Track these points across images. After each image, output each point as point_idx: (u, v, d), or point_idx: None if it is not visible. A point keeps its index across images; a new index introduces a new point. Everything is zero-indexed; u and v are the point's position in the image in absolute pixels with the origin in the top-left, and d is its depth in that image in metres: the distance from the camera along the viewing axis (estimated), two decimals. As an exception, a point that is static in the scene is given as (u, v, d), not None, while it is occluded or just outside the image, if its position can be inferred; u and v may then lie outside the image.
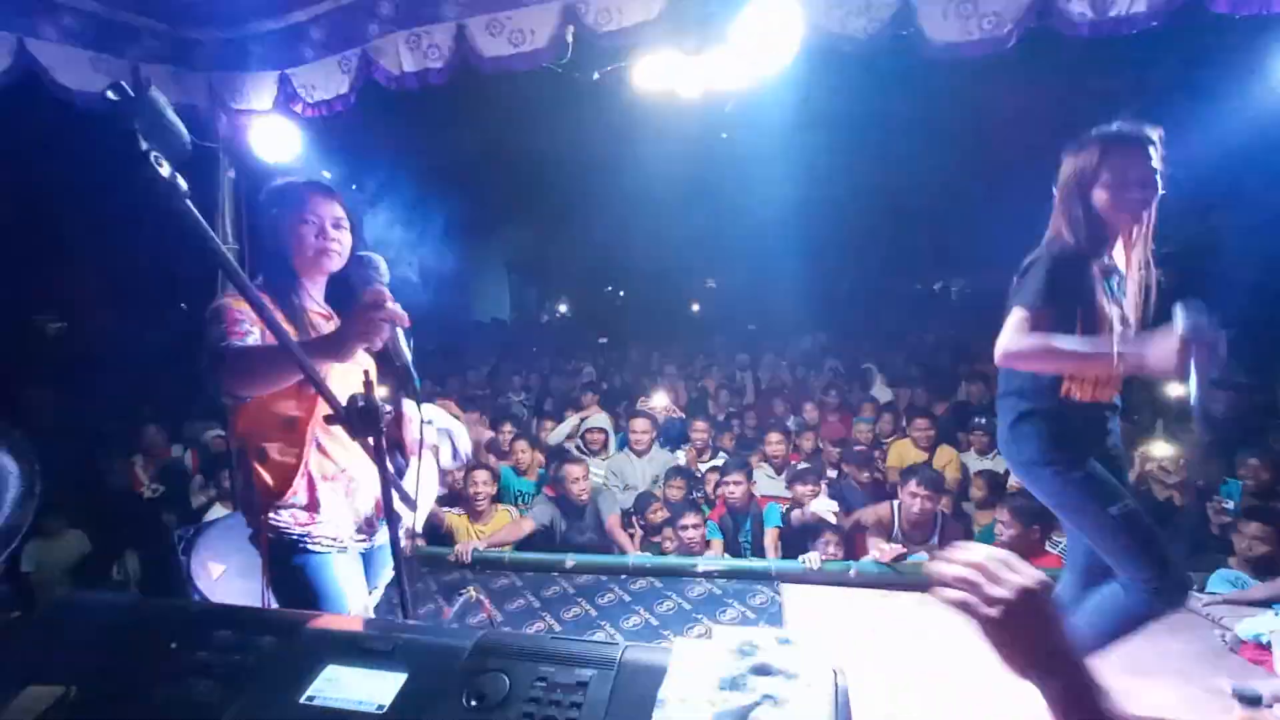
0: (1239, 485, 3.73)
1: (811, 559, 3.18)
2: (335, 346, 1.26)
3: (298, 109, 3.49)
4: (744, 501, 3.88)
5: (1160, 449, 3.92)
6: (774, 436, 4.62)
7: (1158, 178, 1.66)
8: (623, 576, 3.30)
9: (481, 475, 3.93)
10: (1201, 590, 2.85)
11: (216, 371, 1.32)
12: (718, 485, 4.02)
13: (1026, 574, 0.68)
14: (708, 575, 3.24)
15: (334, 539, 1.51)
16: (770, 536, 3.72)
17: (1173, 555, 1.77)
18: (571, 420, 5.26)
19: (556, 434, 5.17)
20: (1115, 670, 2.29)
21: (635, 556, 3.41)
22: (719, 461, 4.64)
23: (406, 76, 3.24)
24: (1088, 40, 2.62)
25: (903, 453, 4.64)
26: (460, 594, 2.85)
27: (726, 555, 3.58)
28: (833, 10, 2.64)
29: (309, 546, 1.48)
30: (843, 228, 14.04)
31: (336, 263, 1.57)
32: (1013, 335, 1.65)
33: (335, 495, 1.52)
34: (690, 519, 3.61)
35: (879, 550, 3.15)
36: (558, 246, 17.78)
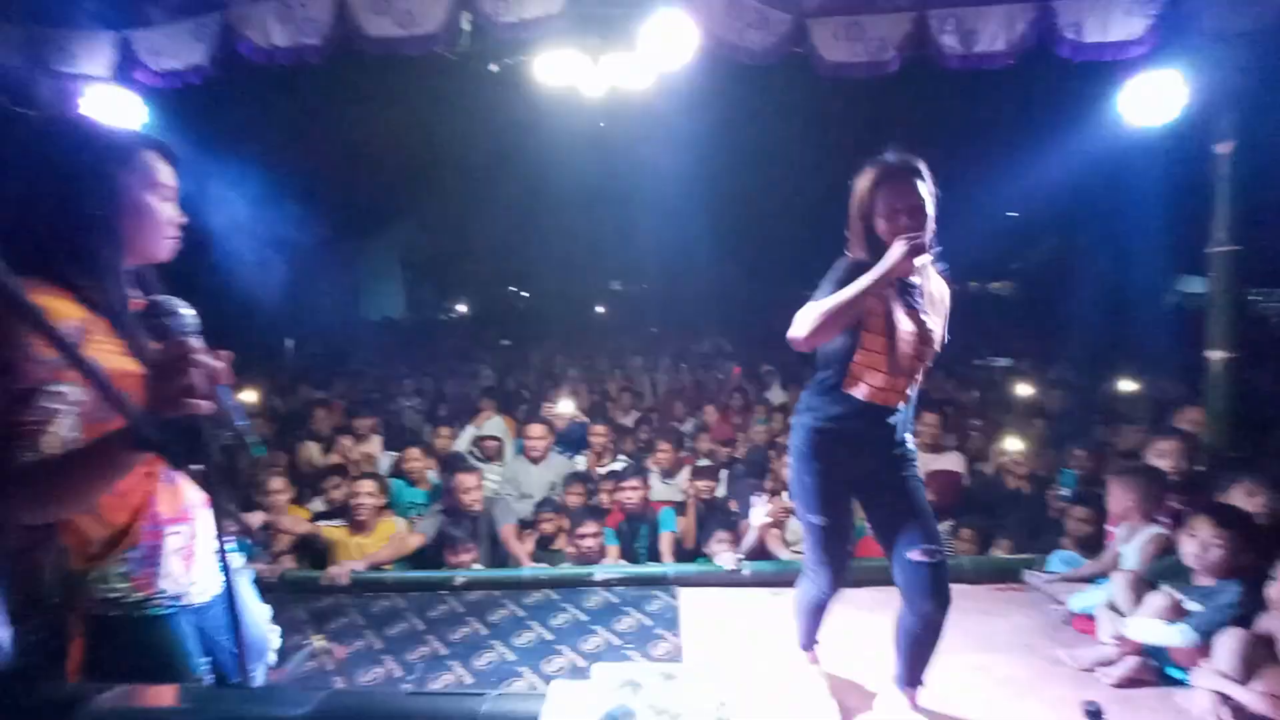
0: (1073, 475, 4.21)
1: (727, 559, 3.23)
2: (125, 443, 0.92)
3: (141, 78, 3.04)
4: (641, 507, 3.87)
5: (1012, 444, 4.35)
6: (663, 444, 4.64)
7: (925, 204, 1.77)
8: (517, 590, 3.16)
9: (367, 485, 3.63)
10: (1043, 570, 3.18)
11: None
12: (615, 491, 3.98)
13: None
14: (605, 584, 3.18)
15: (177, 595, 1.16)
16: (665, 541, 3.73)
17: (842, 569, 2.08)
18: (470, 431, 5.00)
19: (457, 446, 4.90)
20: (972, 648, 2.51)
21: (530, 569, 3.28)
22: (617, 466, 4.60)
23: (278, 52, 2.92)
24: (958, 71, 2.85)
25: None
26: (305, 644, 2.58)
27: (623, 562, 3.55)
28: (732, 21, 2.69)
29: (148, 609, 1.12)
30: (747, 233, 14.56)
31: (169, 254, 1.23)
32: (796, 320, 1.78)
33: (178, 541, 1.17)
34: (589, 527, 3.55)
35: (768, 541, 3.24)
36: (457, 243, 17.08)
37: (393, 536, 3.54)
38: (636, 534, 3.89)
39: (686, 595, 3.10)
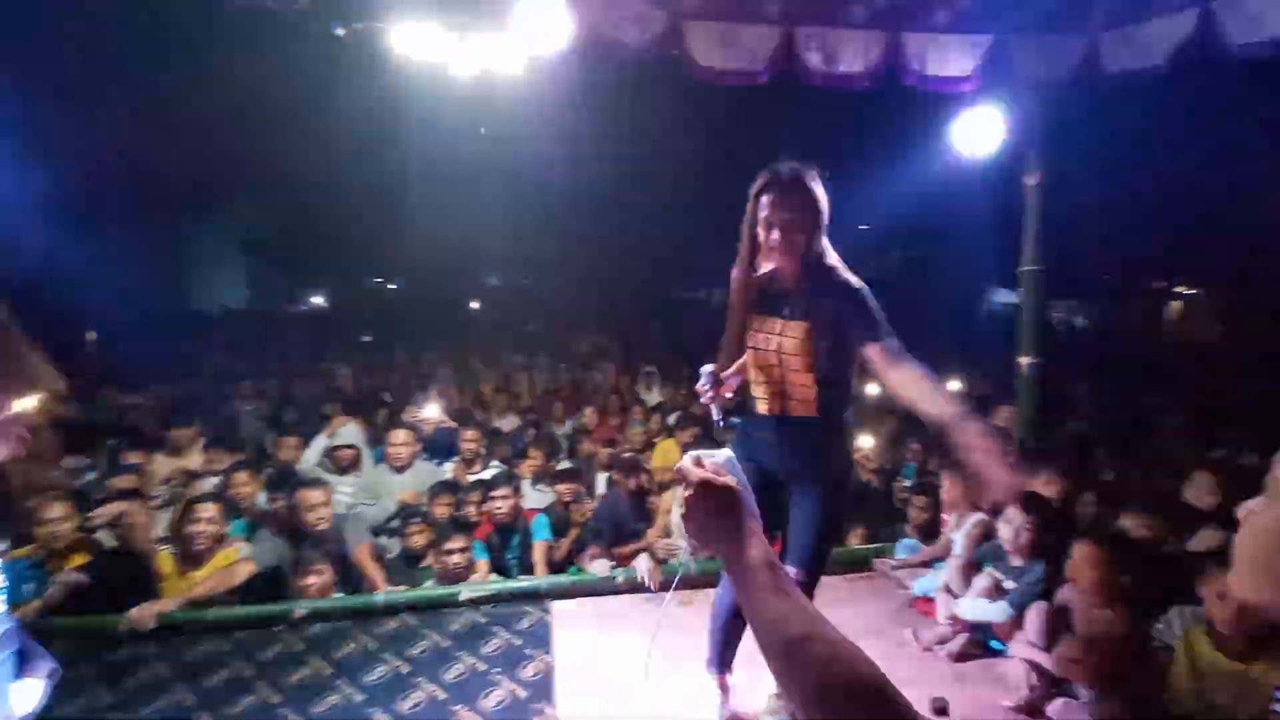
0: (914, 467, 4.66)
1: (600, 567, 3.16)
2: None
3: None
4: (512, 516, 3.69)
5: (863, 441, 4.71)
6: (534, 451, 4.49)
7: (797, 219, 1.81)
8: (369, 619, 2.85)
9: (207, 510, 3.11)
10: (891, 557, 3.45)
11: None
12: (484, 500, 3.75)
13: (706, 469, 0.85)
14: (473, 603, 2.96)
15: None
16: (539, 550, 3.58)
17: None
18: (321, 441, 4.43)
19: (305, 461, 4.33)
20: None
21: (386, 593, 2.97)
22: (488, 474, 4.36)
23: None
24: (824, 90, 2.98)
25: (667, 453, 4.83)
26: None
27: (494, 576, 3.35)
28: (608, 13, 2.59)
29: None
30: (629, 230, 14.59)
31: None
32: None
33: None
34: (456, 541, 3.30)
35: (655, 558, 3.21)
36: (310, 227, 15.42)
37: (218, 571, 3.04)
38: (508, 545, 3.70)
39: (560, 609, 2.98)
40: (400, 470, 4.07)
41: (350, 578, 3.27)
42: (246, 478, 3.64)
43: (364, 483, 4.04)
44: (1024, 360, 3.52)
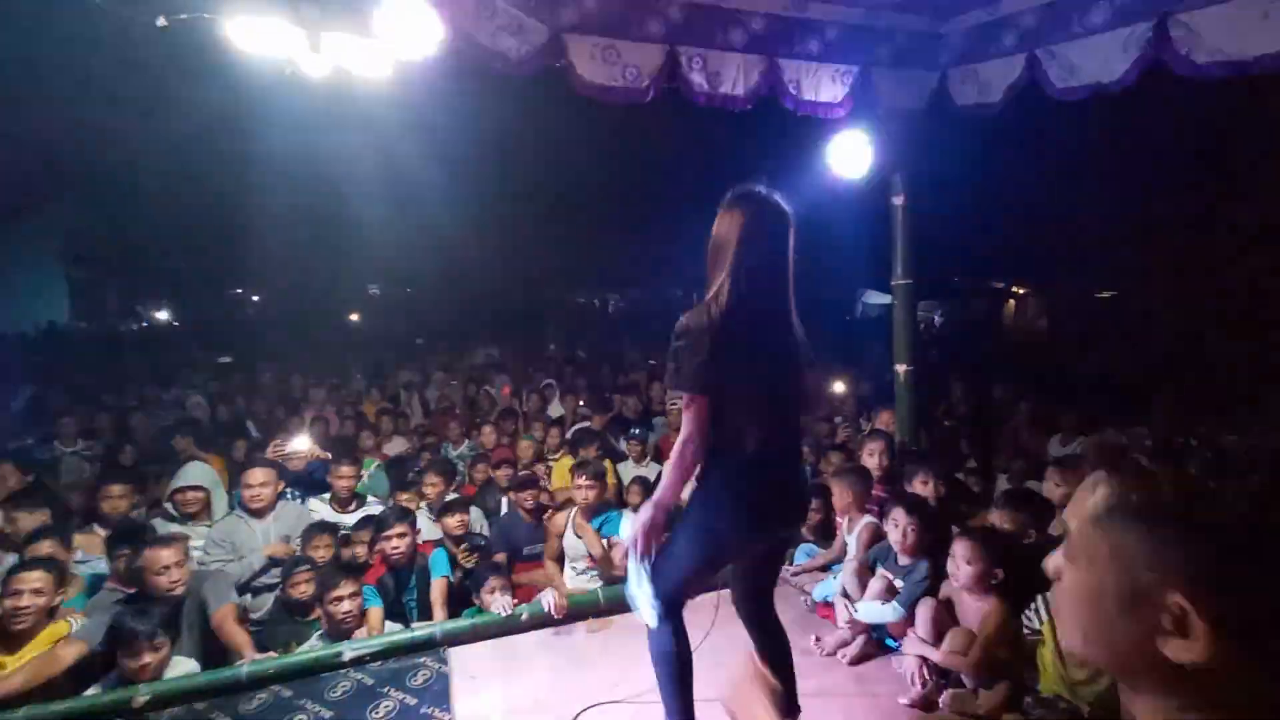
0: (806, 467, 4.87)
1: (501, 604, 2.98)
2: None
3: None
4: (409, 555, 3.39)
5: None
6: (431, 478, 4.19)
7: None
8: (233, 695, 2.48)
9: (35, 578, 2.55)
10: (791, 563, 3.56)
11: None
12: (374, 541, 3.42)
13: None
14: (357, 663, 2.67)
15: None
16: (437, 589, 3.31)
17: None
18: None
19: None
20: (738, 647, 2.67)
21: (252, 663, 2.60)
22: (373, 509, 4.00)
23: None
24: (709, 110, 3.02)
25: (563, 470, 4.69)
26: None
27: (390, 624, 3.05)
28: (482, 22, 2.44)
29: None
30: (520, 236, 14.21)
31: None
32: None
33: None
34: (345, 587, 2.93)
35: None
36: (151, 233, 13.59)
37: (34, 659, 2.51)
38: (404, 587, 3.39)
39: (459, 655, 2.77)
40: (258, 515, 3.56)
41: (211, 648, 2.85)
42: (54, 544, 3.03)
43: (216, 533, 3.48)
44: (900, 368, 3.79)
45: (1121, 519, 0.56)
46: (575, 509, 3.63)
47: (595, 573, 3.47)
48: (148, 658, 2.51)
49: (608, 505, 3.75)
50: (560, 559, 3.60)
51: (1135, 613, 0.53)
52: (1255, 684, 0.48)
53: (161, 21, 2.08)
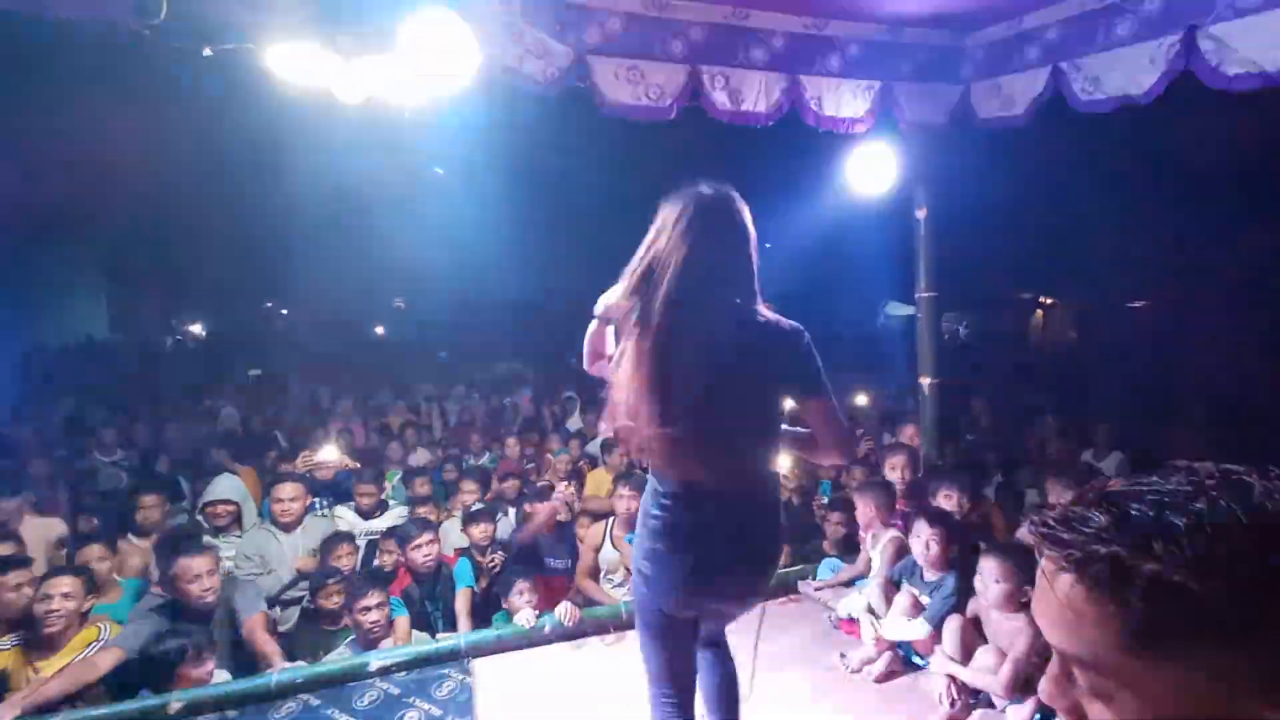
0: (829, 484, 4.82)
1: (525, 617, 3.00)
2: None
3: None
4: (434, 565, 3.43)
5: (782, 461, 4.82)
6: (466, 484, 4.24)
7: None
8: (263, 703, 2.53)
9: (65, 583, 2.67)
10: (813, 578, 3.52)
11: None
12: (407, 550, 3.46)
13: None
14: (383, 673, 2.71)
15: None
16: (463, 599, 3.35)
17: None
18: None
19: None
20: (763, 667, 2.64)
21: (280, 673, 2.65)
22: (398, 519, 4.06)
23: None
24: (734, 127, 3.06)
25: (600, 483, 4.68)
26: None
27: (415, 633, 3.09)
28: (510, 47, 2.53)
29: None
30: (543, 250, 14.35)
31: None
32: None
33: None
34: (373, 597, 2.97)
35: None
36: (188, 250, 14.04)
37: (70, 665, 2.60)
38: (431, 596, 3.43)
39: (483, 668, 2.79)
40: (287, 529, 3.60)
41: (241, 656, 2.91)
42: (102, 551, 3.14)
43: (246, 546, 3.54)
44: (925, 381, 3.75)
45: (1164, 639, 0.44)
46: (613, 519, 3.63)
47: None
48: (200, 669, 2.59)
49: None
50: (596, 574, 3.59)
51: None
52: None
53: (207, 51, 2.19)
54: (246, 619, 2.96)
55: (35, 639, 2.64)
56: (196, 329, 18.19)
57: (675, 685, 1.60)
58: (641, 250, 1.54)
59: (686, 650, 1.62)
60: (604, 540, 3.60)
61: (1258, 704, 0.41)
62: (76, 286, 14.32)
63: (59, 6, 2.31)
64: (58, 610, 2.62)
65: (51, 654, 2.64)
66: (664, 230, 1.52)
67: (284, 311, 20.03)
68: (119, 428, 6.39)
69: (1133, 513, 0.46)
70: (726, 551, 1.49)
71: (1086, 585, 0.46)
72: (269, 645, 2.90)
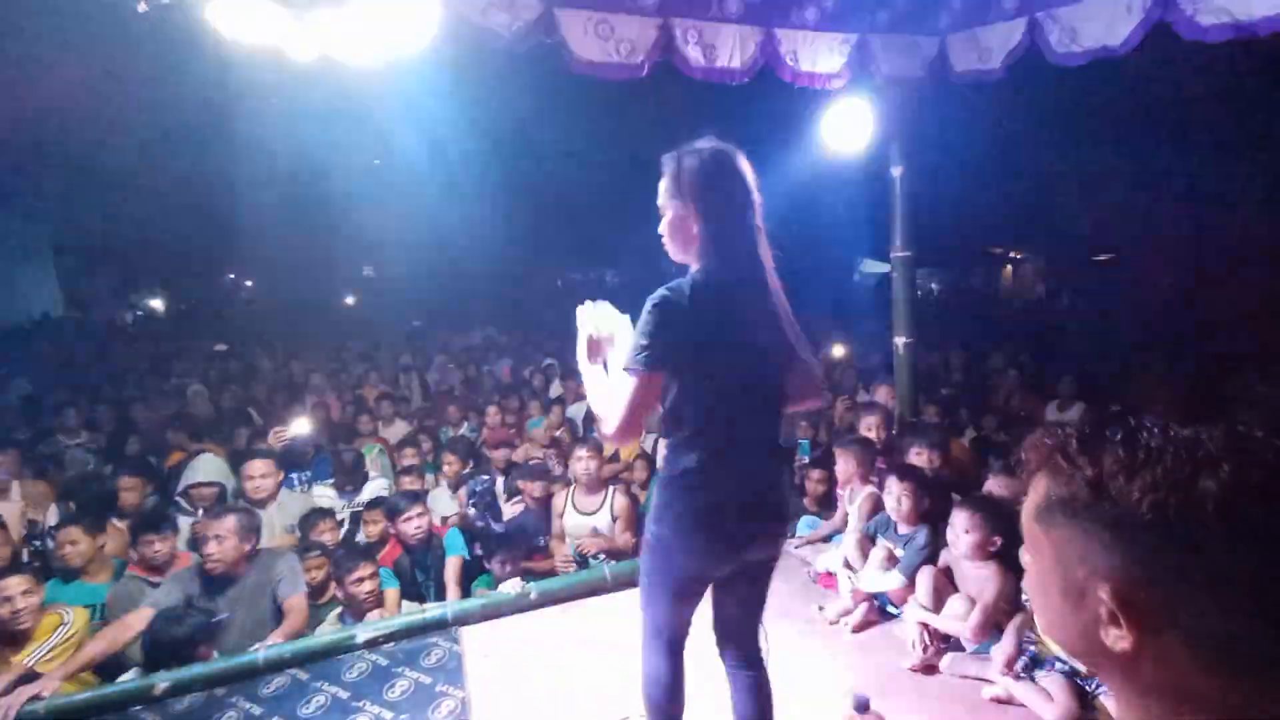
0: (807, 443, 4.91)
1: (511, 584, 3.04)
2: None
3: None
4: (425, 536, 3.44)
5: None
6: (449, 456, 4.22)
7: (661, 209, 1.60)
8: (250, 681, 2.53)
9: (15, 584, 2.63)
10: (793, 535, 3.61)
11: None
12: (396, 522, 3.45)
13: None
14: (371, 644, 2.73)
15: None
16: (452, 567, 3.37)
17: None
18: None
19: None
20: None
21: (267, 649, 2.65)
22: (381, 490, 4.04)
23: None
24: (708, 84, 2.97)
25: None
26: None
27: (405, 603, 3.11)
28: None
29: None
30: (516, 215, 13.98)
31: None
32: None
33: None
34: (364, 569, 2.98)
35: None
36: (143, 222, 13.39)
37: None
38: (419, 567, 3.44)
39: (471, 634, 2.82)
40: (260, 505, 3.48)
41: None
42: (79, 533, 3.06)
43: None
44: (900, 340, 3.79)
45: (1050, 516, 0.58)
46: (573, 486, 3.66)
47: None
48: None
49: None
50: (563, 539, 3.63)
51: (1078, 604, 0.55)
52: (1184, 673, 0.50)
53: (141, 6, 2.03)
54: (292, 596, 2.86)
55: (5, 635, 2.62)
56: (156, 303, 17.53)
57: (683, 632, 1.68)
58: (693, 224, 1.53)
59: (698, 602, 1.69)
60: (566, 506, 3.63)
61: (1091, 579, 0.54)
62: (20, 261, 13.59)
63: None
64: (22, 609, 2.61)
65: (26, 645, 2.62)
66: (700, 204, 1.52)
67: (248, 283, 19.40)
68: (79, 408, 6.18)
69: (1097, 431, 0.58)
70: (759, 508, 1.56)
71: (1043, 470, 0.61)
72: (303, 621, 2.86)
